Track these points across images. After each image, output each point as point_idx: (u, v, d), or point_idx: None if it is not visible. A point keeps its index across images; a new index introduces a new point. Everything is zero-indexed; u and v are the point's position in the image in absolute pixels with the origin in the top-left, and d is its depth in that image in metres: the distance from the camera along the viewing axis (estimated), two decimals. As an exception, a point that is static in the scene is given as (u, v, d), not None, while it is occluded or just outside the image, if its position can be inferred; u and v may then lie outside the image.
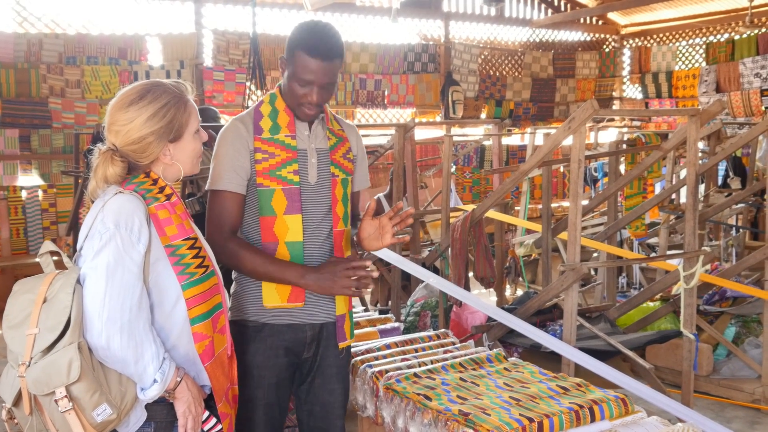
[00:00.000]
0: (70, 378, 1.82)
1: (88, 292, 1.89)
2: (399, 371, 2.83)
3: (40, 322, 1.87)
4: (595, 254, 6.76)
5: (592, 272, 6.61)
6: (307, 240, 2.42)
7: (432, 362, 2.98)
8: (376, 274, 2.42)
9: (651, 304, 5.26)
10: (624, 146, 6.49)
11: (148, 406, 1.99)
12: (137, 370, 1.91)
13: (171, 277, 2.01)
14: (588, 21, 12.25)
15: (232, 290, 2.53)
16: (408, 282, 5.93)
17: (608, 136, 10.29)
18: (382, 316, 4.03)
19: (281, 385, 2.48)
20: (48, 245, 2.03)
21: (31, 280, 1.98)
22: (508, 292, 7.15)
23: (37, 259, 2.05)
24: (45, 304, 1.89)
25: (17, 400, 1.92)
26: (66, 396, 1.82)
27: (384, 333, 3.66)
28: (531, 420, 2.35)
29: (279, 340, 2.44)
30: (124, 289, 1.89)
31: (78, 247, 2.01)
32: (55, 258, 2.00)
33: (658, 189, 7.34)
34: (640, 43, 12.39)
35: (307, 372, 2.54)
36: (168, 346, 2.02)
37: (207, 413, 2.09)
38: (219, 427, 2.11)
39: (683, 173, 6.40)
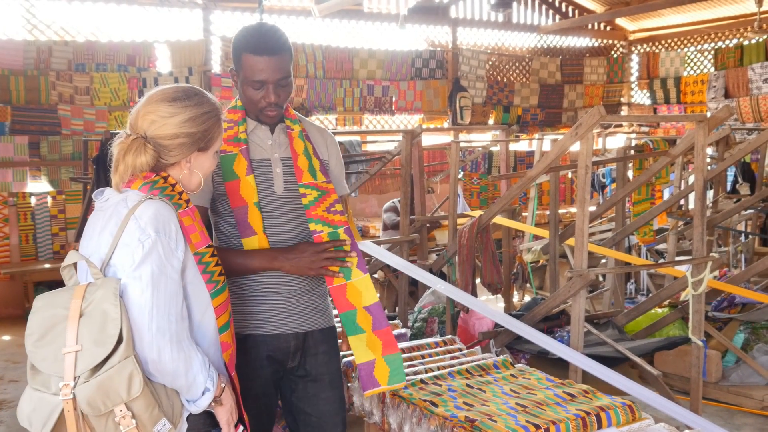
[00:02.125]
0: (131, 394, 1.73)
1: (133, 304, 1.79)
2: (406, 378, 2.82)
3: (80, 338, 1.74)
4: (603, 260, 6.74)
5: (600, 278, 6.59)
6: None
7: (439, 368, 2.97)
8: (353, 258, 2.35)
9: (659, 310, 5.24)
10: (632, 152, 6.48)
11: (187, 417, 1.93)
12: (188, 381, 1.84)
13: (201, 285, 1.95)
14: (596, 27, 12.24)
15: None
16: (415, 288, 5.93)
17: (616, 141, 10.27)
18: (390, 322, 4.02)
19: (267, 394, 2.46)
20: (74, 255, 1.91)
21: (52, 295, 1.85)
22: (515, 298, 7.13)
23: (62, 271, 1.92)
24: (82, 318, 1.77)
25: (57, 426, 1.77)
26: (129, 413, 1.74)
27: (391, 339, 3.65)
28: (537, 427, 2.34)
29: (262, 351, 2.42)
30: (168, 299, 1.82)
31: (103, 257, 1.87)
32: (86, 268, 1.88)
33: (666, 195, 7.32)
34: (648, 49, 12.37)
35: (296, 381, 2.50)
36: None
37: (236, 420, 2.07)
38: None
39: (691, 179, 6.38)
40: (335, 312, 2.61)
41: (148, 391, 1.76)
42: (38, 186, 7.89)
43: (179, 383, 1.84)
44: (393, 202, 6.53)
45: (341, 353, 2.66)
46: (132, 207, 1.86)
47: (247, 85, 2.34)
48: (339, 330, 2.59)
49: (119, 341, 1.74)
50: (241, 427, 2.07)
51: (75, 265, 1.91)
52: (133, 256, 1.81)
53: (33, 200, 7.65)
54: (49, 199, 7.73)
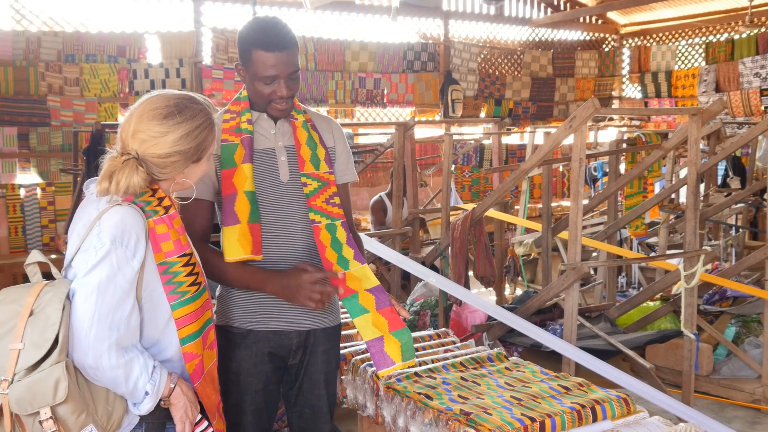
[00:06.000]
0: (56, 399, 1.75)
1: (77, 310, 1.82)
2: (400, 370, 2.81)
3: (25, 337, 1.78)
4: (594, 254, 6.76)
5: (592, 272, 6.61)
6: (281, 242, 2.39)
7: (432, 361, 2.97)
8: (341, 291, 2.36)
9: (651, 303, 5.26)
10: (624, 145, 6.48)
11: None
12: (128, 387, 1.86)
13: (162, 296, 1.95)
14: (587, 20, 12.23)
15: (217, 293, 2.49)
16: (407, 281, 5.92)
17: (608, 135, 10.28)
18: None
19: (268, 390, 2.46)
20: (36, 255, 1.96)
21: (16, 290, 1.90)
22: (507, 291, 7.14)
23: (25, 268, 1.97)
24: (31, 317, 1.80)
25: None
26: (51, 417, 1.76)
27: (384, 332, 3.64)
28: (533, 420, 2.33)
29: (264, 347, 2.41)
30: (113, 308, 1.83)
31: (68, 258, 1.92)
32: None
33: (657, 188, 7.33)
34: (639, 43, 12.37)
35: (294, 377, 2.52)
36: (163, 360, 1.97)
37: (199, 416, 2.06)
38: (210, 429, 2.08)
39: (683, 173, 6.39)
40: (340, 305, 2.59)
41: (76, 397, 1.78)
42: (27, 177, 7.80)
43: (120, 390, 1.88)
44: (380, 196, 6.47)
45: (354, 342, 2.65)
46: (101, 211, 1.87)
47: (257, 80, 2.33)
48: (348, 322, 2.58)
49: (54, 345, 1.77)
50: (205, 423, 2.06)
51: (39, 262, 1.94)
52: (87, 262, 1.85)
53: (22, 192, 7.58)
54: (38, 191, 7.66)
